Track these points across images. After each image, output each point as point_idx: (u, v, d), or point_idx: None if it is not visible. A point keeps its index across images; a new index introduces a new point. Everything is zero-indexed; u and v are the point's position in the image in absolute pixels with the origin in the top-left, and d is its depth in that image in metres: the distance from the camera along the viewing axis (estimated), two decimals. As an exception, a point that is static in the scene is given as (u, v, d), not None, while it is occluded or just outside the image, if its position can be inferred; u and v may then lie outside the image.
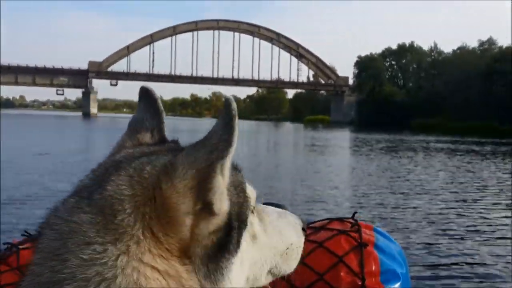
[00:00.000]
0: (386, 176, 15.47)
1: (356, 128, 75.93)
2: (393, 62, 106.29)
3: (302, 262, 1.17)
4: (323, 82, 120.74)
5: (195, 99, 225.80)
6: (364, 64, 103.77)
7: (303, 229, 0.98)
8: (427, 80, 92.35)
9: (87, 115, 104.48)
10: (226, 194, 0.64)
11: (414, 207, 10.22)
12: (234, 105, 0.61)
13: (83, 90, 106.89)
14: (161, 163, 0.63)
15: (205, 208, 0.61)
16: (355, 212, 1.43)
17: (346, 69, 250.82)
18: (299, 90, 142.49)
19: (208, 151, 0.59)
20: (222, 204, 0.62)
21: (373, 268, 1.26)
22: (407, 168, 18.14)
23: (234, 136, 0.60)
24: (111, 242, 0.59)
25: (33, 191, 10.96)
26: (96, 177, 0.65)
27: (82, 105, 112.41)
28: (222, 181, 0.61)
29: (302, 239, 0.96)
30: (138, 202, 0.61)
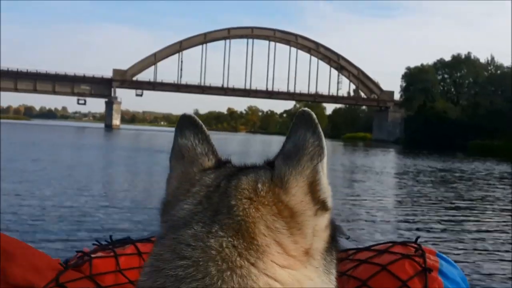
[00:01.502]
0: (442, 203, 14.47)
1: (403, 148, 67.75)
2: (446, 76, 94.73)
3: (366, 284, 1.25)
4: (365, 96, 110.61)
5: (231, 113, 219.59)
6: (414, 77, 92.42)
7: None
8: (485, 96, 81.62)
9: (109, 127, 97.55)
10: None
11: (474, 236, 9.67)
12: (314, 115, 0.66)
13: (106, 100, 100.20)
14: (269, 179, 0.67)
15: (321, 207, 0.66)
16: (418, 237, 1.43)
17: (391, 83, 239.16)
18: (338, 105, 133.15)
19: (309, 158, 0.65)
20: (330, 198, 0.68)
21: None
22: (465, 196, 16.65)
23: (324, 141, 0.66)
24: (253, 264, 0.61)
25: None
26: (206, 203, 0.66)
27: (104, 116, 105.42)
28: (326, 180, 0.67)
29: None
30: (268, 221, 0.63)
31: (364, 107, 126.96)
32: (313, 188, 0.66)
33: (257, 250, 0.62)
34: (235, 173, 0.70)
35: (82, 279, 1.33)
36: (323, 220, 0.67)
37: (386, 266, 1.28)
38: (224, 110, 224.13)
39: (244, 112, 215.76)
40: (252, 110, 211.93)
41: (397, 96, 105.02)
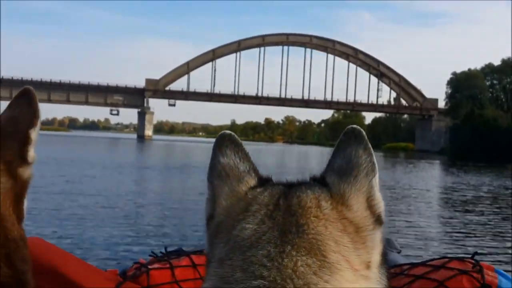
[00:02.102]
0: (494, 219, 13.59)
1: (448, 159, 63.12)
2: (495, 82, 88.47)
3: None
4: (407, 104, 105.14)
5: (268, 123, 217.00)
6: (460, 83, 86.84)
7: None
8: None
9: (141, 137, 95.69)
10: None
11: None
12: (363, 132, 0.67)
13: (139, 110, 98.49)
14: (328, 196, 0.68)
15: (378, 220, 0.68)
16: (475, 252, 1.41)
17: (434, 91, 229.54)
18: (378, 115, 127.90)
19: (365, 174, 0.66)
20: (384, 212, 0.69)
21: None
22: None
23: (374, 157, 0.67)
24: (328, 282, 0.61)
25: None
26: (270, 222, 0.66)
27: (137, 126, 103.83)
28: (379, 194, 0.69)
29: None
30: (336, 237, 0.64)
31: (405, 115, 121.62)
32: (370, 203, 0.68)
33: (329, 267, 0.62)
34: (287, 190, 0.71)
35: None
36: (379, 233, 0.68)
37: (443, 282, 1.26)
38: (261, 120, 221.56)
39: (281, 122, 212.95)
40: (289, 120, 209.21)
41: (441, 104, 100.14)
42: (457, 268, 1.29)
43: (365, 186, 0.67)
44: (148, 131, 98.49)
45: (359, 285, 0.64)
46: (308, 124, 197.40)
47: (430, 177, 27.88)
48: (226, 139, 0.75)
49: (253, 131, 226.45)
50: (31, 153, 0.84)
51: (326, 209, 0.66)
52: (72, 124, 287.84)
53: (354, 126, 0.68)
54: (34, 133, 0.83)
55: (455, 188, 22.43)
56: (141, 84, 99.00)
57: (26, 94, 0.82)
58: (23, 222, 0.81)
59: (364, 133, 0.68)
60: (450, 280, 1.27)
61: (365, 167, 0.67)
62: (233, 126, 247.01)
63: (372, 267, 0.67)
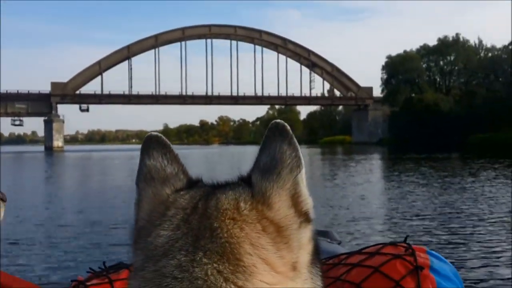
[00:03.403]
0: (434, 202, 14.49)
1: (388, 150, 58.43)
2: (431, 64, 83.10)
3: (360, 287, 1.29)
4: (341, 95, 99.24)
5: (202, 125, 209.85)
6: (396, 66, 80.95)
7: None
8: (479, 83, 71.02)
9: (49, 149, 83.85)
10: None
11: (464, 232, 9.93)
12: (288, 126, 0.66)
13: (45, 118, 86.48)
14: (249, 196, 0.65)
15: (305, 218, 0.65)
16: (407, 236, 1.44)
17: (368, 79, 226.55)
18: (313, 108, 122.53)
19: (289, 170, 0.64)
20: (312, 209, 0.67)
21: None
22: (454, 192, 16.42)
23: (300, 151, 0.65)
24: (242, 287, 0.59)
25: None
26: (185, 228, 0.64)
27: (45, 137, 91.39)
28: (306, 191, 0.66)
29: None
30: (253, 239, 0.62)
31: (340, 107, 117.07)
32: (295, 200, 0.65)
33: (244, 271, 0.60)
34: (211, 192, 0.68)
35: None
36: (307, 232, 0.66)
37: (378, 268, 1.30)
38: (194, 122, 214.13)
39: (215, 123, 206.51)
40: (222, 120, 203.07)
41: (376, 93, 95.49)
42: (391, 253, 1.34)
43: (289, 182, 0.64)
44: (58, 142, 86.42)
45: (283, 287, 0.61)
46: (243, 123, 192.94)
47: (366, 180, 23.02)
48: (153, 141, 0.72)
49: (187, 134, 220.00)
50: None
51: (244, 210, 0.64)
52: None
53: (278, 120, 0.66)
54: None
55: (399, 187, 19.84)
56: (47, 89, 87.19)
57: None
58: None
59: (288, 127, 0.66)
60: (384, 265, 1.30)
61: (289, 163, 0.64)
62: (165, 130, 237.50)
63: (299, 268, 0.64)
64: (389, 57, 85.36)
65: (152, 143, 0.72)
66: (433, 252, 1.36)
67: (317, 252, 0.68)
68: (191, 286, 0.58)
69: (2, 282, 1.23)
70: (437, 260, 1.32)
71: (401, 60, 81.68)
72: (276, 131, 0.65)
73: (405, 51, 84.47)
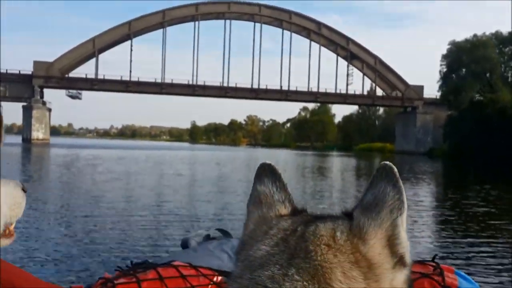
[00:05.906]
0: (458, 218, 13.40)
1: (443, 166, 44.78)
2: (506, 57, 64.05)
3: None
4: (384, 94, 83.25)
5: (230, 124, 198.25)
6: (463, 55, 62.91)
7: None
8: None
9: (27, 141, 69.80)
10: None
11: (492, 252, 9.19)
12: (395, 168, 0.68)
13: (24, 104, 72.54)
14: (347, 228, 0.69)
15: (400, 261, 0.67)
16: (436, 255, 1.45)
17: (418, 77, 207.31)
18: (349, 109, 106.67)
19: (389, 211, 0.66)
20: (409, 254, 0.69)
21: None
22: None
23: (405, 195, 0.67)
24: None
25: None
26: (282, 246, 0.69)
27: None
28: (405, 234, 0.68)
29: None
30: (345, 268, 0.64)
31: (381, 111, 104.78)
32: (391, 241, 0.67)
33: None
34: (312, 220, 0.73)
35: None
36: (401, 275, 0.67)
37: None
38: (223, 121, 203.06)
39: (243, 122, 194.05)
40: (251, 120, 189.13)
41: (428, 93, 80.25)
42: (419, 272, 1.32)
43: (387, 222, 0.67)
44: (38, 133, 72.08)
45: None
46: (273, 124, 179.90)
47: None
48: (266, 169, 0.78)
49: (214, 133, 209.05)
50: None
51: (340, 239, 0.67)
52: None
53: (386, 162, 0.69)
54: None
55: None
56: (30, 69, 73.33)
57: None
58: None
59: (395, 170, 0.68)
60: (412, 284, 1.34)
61: (391, 204, 0.67)
62: (194, 128, 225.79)
63: None
64: (452, 43, 67.27)
65: (264, 171, 0.78)
66: (461, 272, 1.34)
67: None
68: None
69: (15, 283, 1.21)
70: (465, 281, 1.30)
71: (471, 47, 63.16)
72: (384, 172, 0.68)
73: (475, 36, 65.41)
